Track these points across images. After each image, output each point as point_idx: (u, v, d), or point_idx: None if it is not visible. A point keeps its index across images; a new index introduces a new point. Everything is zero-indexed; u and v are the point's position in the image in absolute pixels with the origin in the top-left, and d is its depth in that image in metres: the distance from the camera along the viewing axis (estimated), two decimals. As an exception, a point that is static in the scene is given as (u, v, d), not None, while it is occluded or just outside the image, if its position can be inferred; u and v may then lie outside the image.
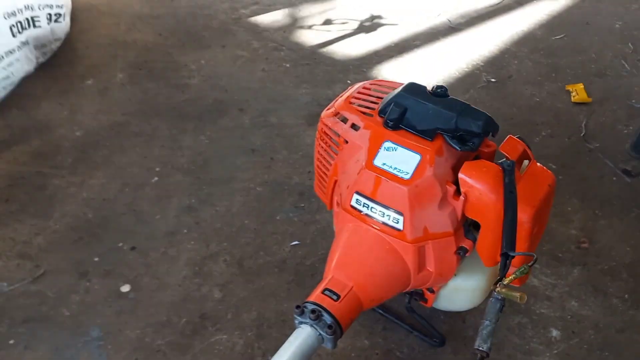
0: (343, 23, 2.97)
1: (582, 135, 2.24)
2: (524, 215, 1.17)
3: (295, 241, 1.84)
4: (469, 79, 2.56)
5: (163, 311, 1.63)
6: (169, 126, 2.28)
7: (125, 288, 1.69)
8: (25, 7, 2.34)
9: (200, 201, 1.97)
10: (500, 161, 1.22)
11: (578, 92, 2.44)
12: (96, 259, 1.77)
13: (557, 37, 2.84)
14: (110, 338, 1.57)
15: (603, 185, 2.03)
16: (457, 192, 1.23)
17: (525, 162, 1.30)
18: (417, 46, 2.79)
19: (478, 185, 1.20)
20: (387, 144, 1.28)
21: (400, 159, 1.26)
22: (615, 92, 2.47)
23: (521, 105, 2.41)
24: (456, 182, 1.23)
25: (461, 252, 1.29)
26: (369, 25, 2.95)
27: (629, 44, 2.76)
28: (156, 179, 2.05)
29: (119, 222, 1.89)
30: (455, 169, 1.25)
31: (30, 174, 2.05)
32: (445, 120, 1.25)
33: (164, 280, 1.71)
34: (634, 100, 2.41)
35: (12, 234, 1.84)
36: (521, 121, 2.32)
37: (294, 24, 2.95)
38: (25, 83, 2.43)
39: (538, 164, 1.32)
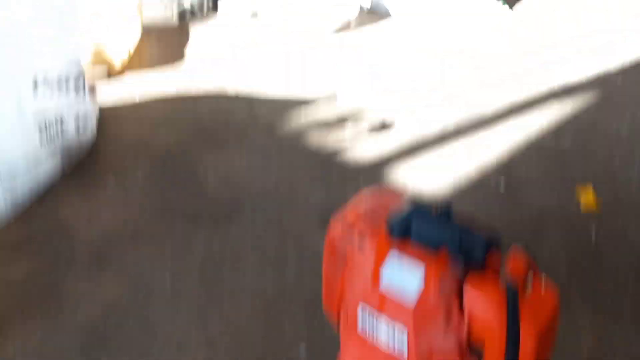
0: (357, 127, 3.08)
1: (592, 242, 2.24)
2: (528, 338, 1.16)
3: (302, 343, 1.82)
4: (478, 183, 2.61)
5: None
6: (184, 229, 2.33)
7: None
8: (54, 112, 2.48)
9: (211, 305, 1.97)
10: (503, 280, 1.23)
11: (588, 197, 2.46)
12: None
13: (566, 142, 2.90)
14: None
15: (616, 294, 2.00)
16: (462, 311, 1.23)
17: (530, 278, 1.30)
18: (427, 150, 2.87)
19: (482, 304, 1.20)
20: (393, 258, 1.30)
21: (405, 272, 1.27)
22: (625, 197, 2.48)
23: (530, 212, 2.42)
24: (461, 300, 1.24)
25: (467, 374, 1.26)
26: (382, 129, 3.06)
27: (637, 148, 2.81)
28: (168, 282, 2.07)
29: (127, 328, 1.89)
30: (460, 286, 1.26)
31: (46, 274, 2.09)
32: (449, 235, 1.27)
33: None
34: (644, 206, 2.42)
35: (21, 334, 1.85)
36: (530, 227, 2.33)
37: (309, 127, 3.07)
38: (50, 185, 2.53)
39: (544, 282, 1.32)
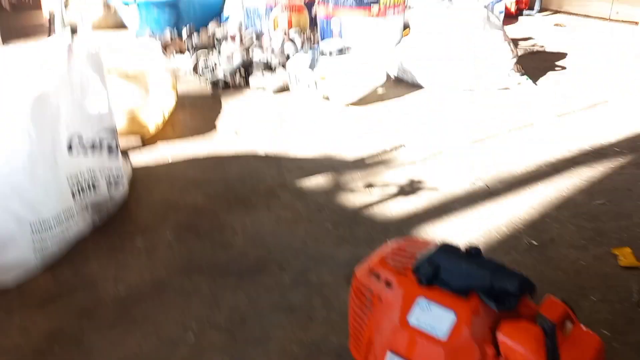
0: (384, 186, 3.08)
1: (634, 300, 2.13)
2: (570, 383, 1.08)
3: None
4: (510, 241, 2.55)
5: None
6: (210, 284, 2.31)
7: None
8: (87, 171, 2.56)
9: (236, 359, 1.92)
10: (540, 322, 1.17)
11: (625, 256, 2.37)
12: (122, 421, 1.70)
13: (599, 202, 2.84)
14: None
15: (664, 356, 1.88)
16: (497, 354, 1.17)
17: (569, 324, 1.24)
18: (456, 209, 2.84)
19: (519, 347, 1.15)
20: (422, 302, 1.26)
21: (434, 317, 1.23)
22: (665, 256, 2.39)
23: (566, 269, 2.34)
24: (495, 343, 1.18)
25: None
26: (409, 189, 3.06)
27: (674, 209, 2.73)
28: (192, 337, 2.03)
29: (150, 382, 1.84)
30: (493, 330, 1.20)
31: (69, 329, 2.08)
32: (479, 278, 1.24)
33: None
34: (686, 266, 2.32)
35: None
36: (567, 285, 2.24)
37: (336, 187, 3.08)
38: (79, 241, 2.57)
39: (583, 327, 1.25)
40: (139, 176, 3.16)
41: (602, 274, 2.30)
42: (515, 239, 2.56)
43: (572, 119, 4.00)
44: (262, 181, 3.16)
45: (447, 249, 1.32)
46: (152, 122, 3.63)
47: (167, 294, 2.26)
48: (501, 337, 1.17)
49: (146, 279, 2.35)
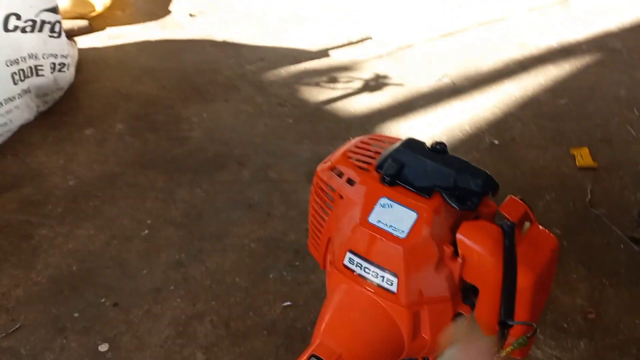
0: (348, 81, 2.97)
1: (587, 200, 2.18)
2: (525, 281, 1.08)
3: (287, 302, 1.75)
4: (472, 140, 2.53)
5: (141, 373, 1.53)
6: (165, 178, 2.24)
7: (103, 347, 1.59)
8: (29, 55, 2.36)
9: (191, 257, 1.90)
10: (499, 222, 1.15)
11: (583, 156, 2.39)
12: (76, 315, 1.68)
13: (562, 102, 2.82)
14: (82, 400, 1.46)
15: (610, 254, 1.95)
16: (455, 254, 1.16)
17: (527, 224, 1.23)
18: (420, 106, 2.78)
19: (476, 247, 1.12)
20: (383, 201, 1.22)
21: (396, 216, 1.19)
22: (621, 157, 2.42)
23: (525, 169, 2.36)
24: (454, 243, 1.16)
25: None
26: (374, 84, 2.96)
27: (635, 110, 2.74)
28: (146, 232, 1.99)
29: (103, 276, 1.81)
30: (453, 229, 1.18)
31: (17, 222, 2.00)
32: (443, 177, 1.19)
33: (144, 340, 1.62)
34: (641, 167, 2.36)
35: (-9, 284, 1.76)
36: (524, 185, 2.26)
37: (299, 80, 2.96)
38: (23, 130, 2.42)
39: (540, 226, 1.25)
40: (87, 62, 2.94)
41: (559, 174, 2.33)
42: (478, 138, 2.54)
43: (543, 14, 3.87)
44: (220, 72, 2.99)
45: (411, 145, 1.25)
46: (100, 1, 3.34)
47: (120, 188, 2.18)
48: (459, 236, 1.14)
49: (97, 172, 2.25)
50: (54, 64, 2.50)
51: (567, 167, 2.37)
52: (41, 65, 2.44)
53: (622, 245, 1.98)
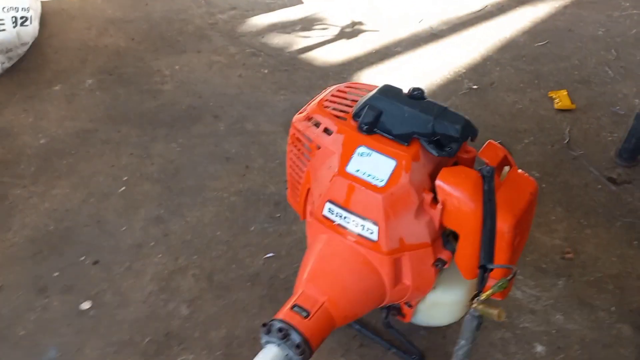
0: (323, 29, 2.90)
1: (566, 142, 2.19)
2: (504, 225, 1.09)
3: (269, 253, 1.75)
4: (451, 85, 2.51)
5: (125, 329, 1.53)
6: (139, 133, 2.19)
7: (86, 305, 1.59)
8: (-12, 9, 2.25)
9: (170, 212, 1.87)
10: (479, 167, 1.14)
11: (561, 99, 2.39)
12: (56, 274, 1.66)
13: (540, 44, 2.79)
14: (67, 358, 1.46)
15: (588, 194, 1.97)
16: (435, 200, 1.16)
17: (506, 168, 1.23)
18: (398, 53, 2.73)
19: (456, 192, 1.12)
20: (361, 149, 1.20)
21: (374, 165, 1.18)
22: (599, 99, 2.42)
23: (503, 113, 2.35)
24: (433, 190, 1.16)
25: (439, 264, 1.21)
26: (350, 31, 2.89)
27: (612, 51, 2.72)
28: (123, 188, 1.95)
29: (81, 235, 1.78)
30: (433, 176, 1.17)
31: (-11, 184, 1.94)
32: (421, 123, 1.17)
33: (127, 296, 1.61)
34: (618, 107, 2.37)
35: (-34, 247, 1.73)
36: (503, 128, 2.26)
37: (273, 29, 2.87)
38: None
39: (519, 170, 1.25)
40: (51, 15, 2.81)
41: (537, 117, 2.33)
42: (457, 83, 2.52)
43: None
44: (191, 22, 2.89)
45: (388, 92, 1.23)
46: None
47: (94, 145, 2.13)
48: (439, 182, 1.14)
49: (69, 129, 2.19)
50: (16, 17, 2.38)
51: (545, 109, 2.37)
52: (2, 20, 2.33)
53: (599, 186, 2.00)
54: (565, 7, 3.12)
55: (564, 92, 2.43)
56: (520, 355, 1.49)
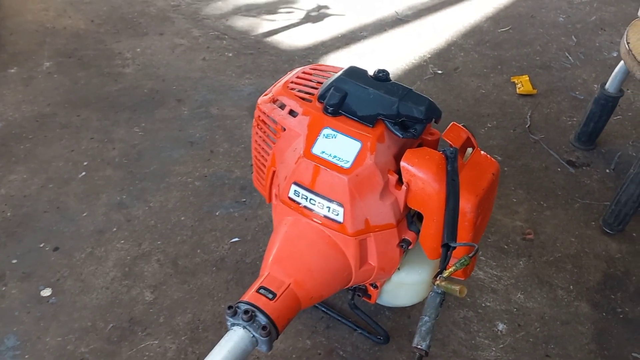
0: (288, 12, 2.88)
1: (527, 126, 2.23)
2: (467, 205, 1.11)
3: (235, 238, 1.74)
4: (416, 70, 2.52)
5: (88, 316, 1.50)
6: (100, 117, 2.13)
7: (46, 292, 1.55)
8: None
9: (133, 197, 1.84)
10: (442, 149, 1.16)
11: (523, 83, 2.43)
12: (14, 261, 1.62)
13: (503, 29, 2.83)
14: (27, 346, 1.43)
15: (548, 177, 2.02)
16: (400, 182, 1.17)
17: (469, 150, 1.25)
18: (364, 37, 2.73)
19: (420, 173, 1.13)
20: (326, 131, 1.20)
21: (339, 146, 1.18)
22: (559, 84, 2.48)
23: (467, 97, 2.38)
24: (398, 171, 1.16)
25: (404, 245, 1.22)
26: (316, 15, 2.88)
27: (572, 37, 2.78)
28: (84, 173, 1.90)
29: (40, 221, 1.74)
30: (397, 157, 1.18)
31: (-59, 169, 1.87)
32: (386, 105, 1.18)
33: (89, 282, 1.58)
34: (577, 92, 2.43)
35: None
36: (467, 113, 2.29)
37: (237, 12, 2.83)
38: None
39: (482, 152, 1.26)
40: (5, -5, 2.71)
41: (500, 101, 2.37)
42: (422, 68, 2.53)
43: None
44: (152, 3, 2.83)
45: (354, 73, 1.23)
46: None
47: (52, 130, 2.07)
48: (403, 163, 1.15)
49: (26, 113, 2.12)
50: (-33, -4, 2.29)
51: (507, 94, 2.41)
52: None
53: (559, 169, 2.05)
54: (527, -6, 3.16)
55: (526, 77, 2.47)
56: (482, 334, 1.52)
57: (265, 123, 1.31)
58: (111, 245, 1.68)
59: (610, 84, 1.98)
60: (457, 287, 0.89)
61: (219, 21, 2.75)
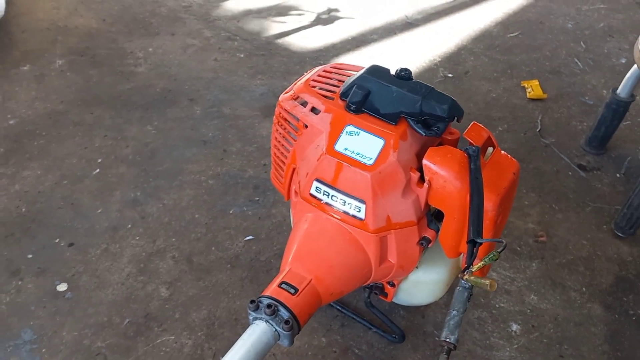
0: (299, 14, 2.89)
1: (538, 130, 2.24)
2: (488, 204, 1.11)
3: (249, 236, 1.74)
4: (427, 74, 2.53)
5: (103, 311, 1.50)
6: (113, 115, 2.14)
7: (62, 287, 1.55)
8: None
9: (147, 194, 1.84)
10: (464, 147, 1.16)
11: (533, 88, 2.45)
12: (30, 256, 1.62)
13: (513, 34, 2.85)
14: (44, 341, 1.43)
15: (559, 180, 2.03)
16: (421, 179, 1.17)
17: (490, 149, 1.26)
18: (374, 40, 2.75)
19: (442, 171, 1.14)
20: (349, 128, 1.21)
21: (362, 143, 1.19)
22: (569, 89, 2.49)
23: (478, 101, 2.39)
24: (420, 169, 1.17)
25: (424, 243, 1.23)
26: (326, 17, 2.89)
27: (581, 43, 2.80)
28: (97, 170, 1.91)
29: (55, 217, 1.74)
30: (419, 155, 1.19)
31: (-44, 164, 1.88)
32: (409, 103, 1.18)
33: (104, 278, 1.58)
34: (587, 97, 2.44)
35: None
36: (478, 116, 2.30)
37: (248, 13, 2.85)
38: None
39: (502, 151, 1.27)
40: (17, -6, 2.72)
41: (511, 105, 2.38)
42: (432, 72, 2.55)
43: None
44: (163, 4, 2.84)
45: (376, 72, 1.24)
46: None
47: (66, 127, 2.07)
48: (426, 161, 1.15)
49: (39, 111, 2.13)
50: (-19, -7, 2.30)
51: (518, 98, 2.42)
52: (-33, -5, 2.24)
53: (569, 172, 2.06)
54: (536, 1, 3.18)
55: (536, 82, 2.48)
56: (496, 334, 1.53)
57: (286, 120, 1.31)
58: (126, 242, 1.68)
59: (622, 89, 1.99)
60: (487, 282, 0.90)
61: (230, 22, 2.76)
